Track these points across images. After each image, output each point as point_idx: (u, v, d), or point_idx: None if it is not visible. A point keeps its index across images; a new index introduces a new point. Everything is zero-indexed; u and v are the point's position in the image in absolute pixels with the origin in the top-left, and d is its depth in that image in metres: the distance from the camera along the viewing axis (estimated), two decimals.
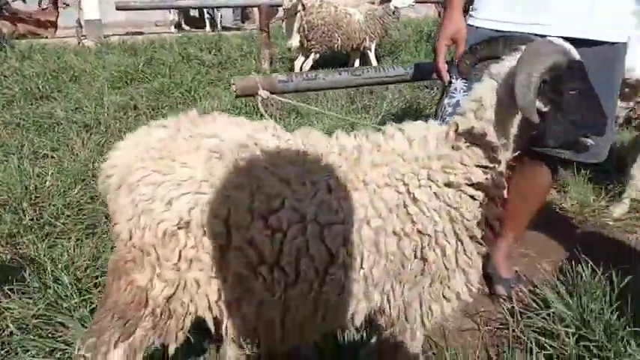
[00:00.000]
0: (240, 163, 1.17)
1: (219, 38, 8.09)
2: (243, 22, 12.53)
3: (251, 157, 1.18)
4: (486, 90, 1.27)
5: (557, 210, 3.03)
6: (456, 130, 1.27)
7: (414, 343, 1.38)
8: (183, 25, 11.28)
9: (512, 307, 2.02)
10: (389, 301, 1.28)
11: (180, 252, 1.15)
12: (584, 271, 2.02)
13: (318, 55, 5.57)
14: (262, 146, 1.22)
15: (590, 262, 2.09)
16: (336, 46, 5.56)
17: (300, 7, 5.09)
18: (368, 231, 1.18)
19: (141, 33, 10.12)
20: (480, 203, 1.24)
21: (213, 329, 1.27)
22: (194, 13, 11.84)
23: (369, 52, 5.79)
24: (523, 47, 1.22)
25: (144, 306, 1.18)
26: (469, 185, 1.23)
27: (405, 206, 1.20)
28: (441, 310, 1.31)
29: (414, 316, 1.31)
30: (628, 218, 2.87)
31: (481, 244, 1.27)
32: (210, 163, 1.17)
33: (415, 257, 1.22)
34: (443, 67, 1.79)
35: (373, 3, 5.93)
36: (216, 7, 9.65)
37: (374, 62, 5.88)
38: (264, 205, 1.14)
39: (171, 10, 10.83)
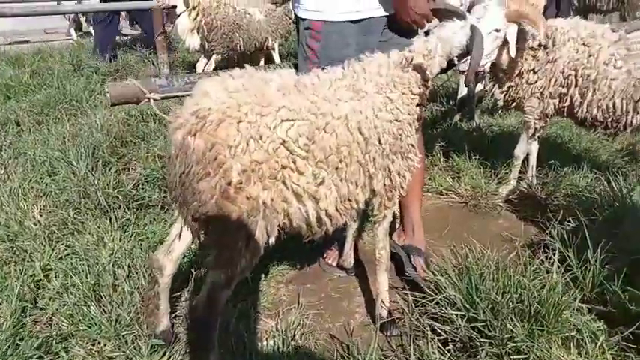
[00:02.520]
0: (302, 94, 1.64)
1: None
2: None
3: (304, 89, 1.66)
4: (434, 41, 1.85)
5: (453, 196, 3.17)
6: (409, 61, 1.84)
7: (390, 212, 1.94)
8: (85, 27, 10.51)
9: (407, 294, 2.07)
10: (392, 168, 1.82)
11: (280, 164, 1.54)
12: (473, 252, 2.12)
13: (220, 57, 5.43)
14: (304, 82, 1.69)
15: (479, 245, 2.20)
16: (238, 46, 5.45)
17: (191, 6, 4.94)
18: (377, 121, 1.73)
19: (27, 42, 9.35)
20: (417, 104, 1.86)
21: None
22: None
23: (272, 52, 5.74)
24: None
25: (257, 210, 1.53)
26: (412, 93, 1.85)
27: (387, 104, 1.77)
28: (408, 177, 1.88)
29: (398, 182, 1.86)
30: (517, 198, 3.07)
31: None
32: (287, 96, 1.59)
33: (399, 136, 1.80)
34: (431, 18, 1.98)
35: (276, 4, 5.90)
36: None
37: (278, 62, 5.82)
38: (323, 119, 1.62)
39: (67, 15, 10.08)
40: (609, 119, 2.66)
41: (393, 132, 1.79)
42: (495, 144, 3.66)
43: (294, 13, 2.26)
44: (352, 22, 2.06)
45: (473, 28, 1.86)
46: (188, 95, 1.70)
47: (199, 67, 5.45)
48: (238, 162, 1.48)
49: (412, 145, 1.87)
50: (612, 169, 3.32)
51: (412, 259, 2.34)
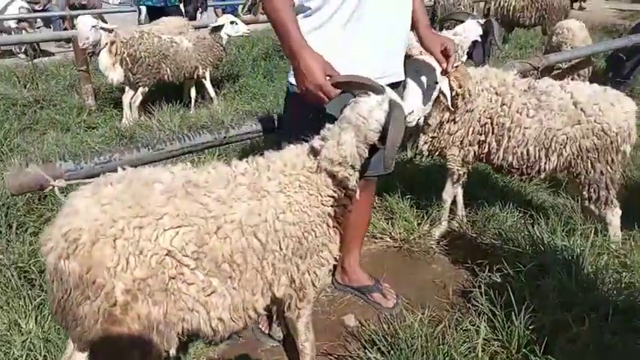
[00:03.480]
0: (190, 196, 1.50)
1: (35, 69, 7.18)
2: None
3: (195, 189, 1.52)
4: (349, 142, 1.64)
5: (388, 239, 3.18)
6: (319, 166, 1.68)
7: (308, 305, 1.86)
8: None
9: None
10: (297, 271, 1.71)
11: (168, 276, 1.42)
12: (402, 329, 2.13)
13: (147, 89, 5.21)
14: (195, 180, 1.55)
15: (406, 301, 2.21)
16: (165, 76, 5.24)
17: (106, 41, 4.71)
18: (278, 224, 1.60)
19: None
20: (331, 206, 1.73)
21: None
22: None
23: (204, 80, 5.57)
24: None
25: (151, 327, 1.42)
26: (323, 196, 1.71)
27: (291, 205, 1.63)
28: (322, 274, 1.80)
29: (309, 280, 1.76)
30: (448, 239, 3.11)
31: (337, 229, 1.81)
32: (171, 201, 1.46)
33: (304, 238, 1.67)
34: (332, 91, 1.67)
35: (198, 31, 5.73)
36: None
37: (210, 90, 5.68)
38: (214, 223, 1.49)
39: None
40: (524, 166, 2.74)
41: (298, 235, 1.65)
42: (429, 180, 3.71)
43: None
44: None
45: (392, 103, 1.64)
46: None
47: (125, 100, 5.20)
48: (120, 281, 1.36)
49: (325, 244, 1.74)
50: (537, 202, 3.46)
51: (370, 297, 2.56)
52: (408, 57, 2.30)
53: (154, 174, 1.54)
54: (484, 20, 3.89)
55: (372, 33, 1.93)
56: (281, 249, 1.62)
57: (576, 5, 13.70)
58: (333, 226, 1.76)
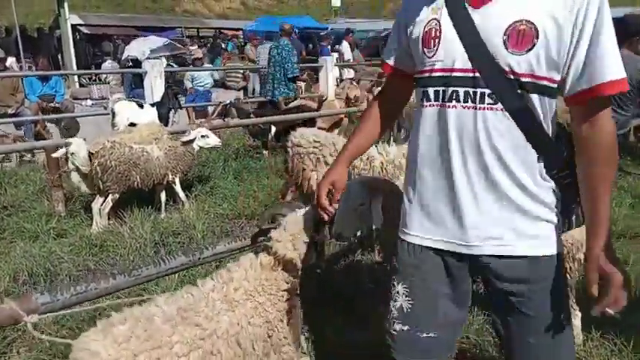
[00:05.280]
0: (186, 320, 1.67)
1: (4, 174, 7.19)
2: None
3: (187, 313, 1.69)
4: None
5: None
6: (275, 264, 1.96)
7: None
8: None
9: None
10: None
11: None
12: None
13: (117, 195, 5.30)
14: (182, 306, 1.72)
15: None
16: (135, 183, 5.37)
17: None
18: (250, 328, 1.79)
19: None
20: (286, 300, 1.96)
21: None
22: None
23: (174, 185, 5.72)
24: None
25: None
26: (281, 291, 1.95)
27: (257, 308, 1.84)
28: None
29: None
30: None
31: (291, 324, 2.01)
32: (176, 329, 1.62)
33: (270, 337, 1.87)
34: (325, 202, 1.84)
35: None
36: None
37: (181, 195, 5.81)
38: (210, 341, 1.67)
39: None
40: None
41: (264, 335, 1.84)
42: None
43: None
44: None
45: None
46: (75, 311, 1.63)
47: (95, 207, 5.26)
48: None
49: (285, 337, 1.92)
50: None
51: None
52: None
53: (145, 310, 1.67)
54: None
55: (419, 182, 1.67)
56: (254, 349, 1.79)
57: None
58: (288, 321, 1.96)
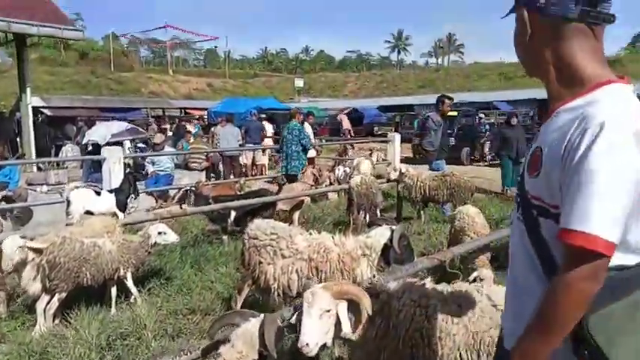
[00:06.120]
0: None
1: None
2: None
3: None
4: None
5: None
6: None
7: None
8: None
9: None
10: None
11: None
12: None
13: (64, 294, 5.02)
14: None
15: None
16: (85, 280, 5.11)
17: (32, 257, 4.67)
18: None
19: None
20: None
21: None
22: None
23: (125, 280, 5.48)
24: None
25: None
26: None
27: None
28: None
29: None
30: None
31: None
32: None
33: None
34: None
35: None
36: None
37: (133, 290, 5.56)
38: None
39: None
40: None
41: None
42: None
43: None
44: None
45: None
46: None
47: (39, 307, 4.94)
48: None
49: None
50: None
51: None
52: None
53: None
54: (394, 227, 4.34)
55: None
56: None
57: None
58: None
